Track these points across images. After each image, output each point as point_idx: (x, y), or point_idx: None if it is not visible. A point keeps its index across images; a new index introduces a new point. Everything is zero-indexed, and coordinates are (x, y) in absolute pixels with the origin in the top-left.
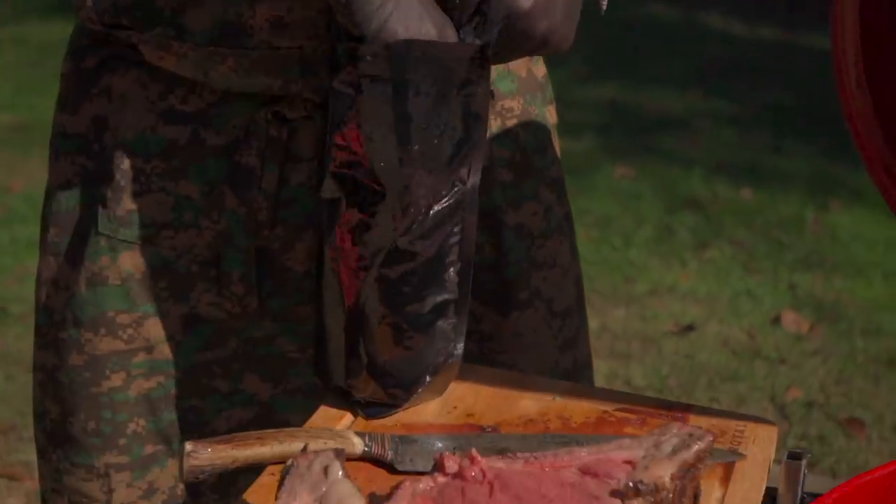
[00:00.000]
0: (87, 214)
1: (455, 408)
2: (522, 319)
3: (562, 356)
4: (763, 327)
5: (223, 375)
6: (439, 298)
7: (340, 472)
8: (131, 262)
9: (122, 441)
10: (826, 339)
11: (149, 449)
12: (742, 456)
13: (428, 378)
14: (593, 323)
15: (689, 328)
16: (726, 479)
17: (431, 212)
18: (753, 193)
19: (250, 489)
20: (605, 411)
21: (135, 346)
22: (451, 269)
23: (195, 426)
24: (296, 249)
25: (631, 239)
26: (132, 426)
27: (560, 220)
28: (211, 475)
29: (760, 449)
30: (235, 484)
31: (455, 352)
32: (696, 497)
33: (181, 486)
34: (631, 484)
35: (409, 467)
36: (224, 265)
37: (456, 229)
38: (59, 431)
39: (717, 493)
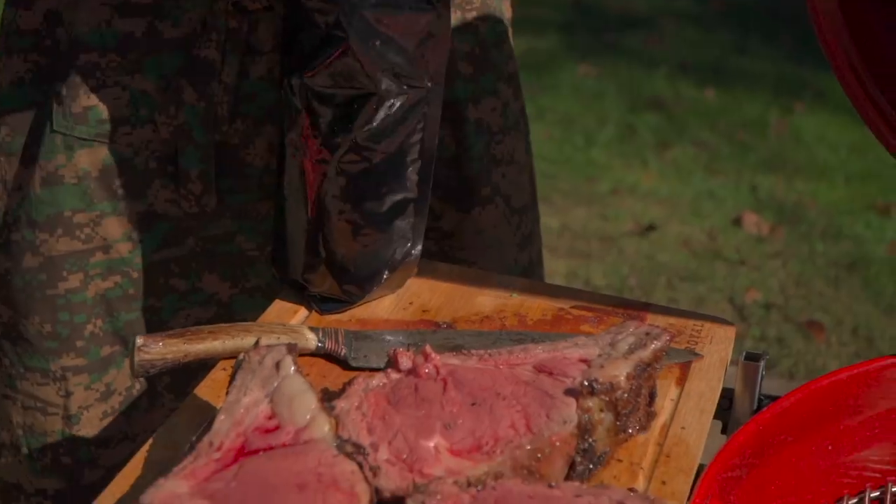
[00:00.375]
0: (40, 112)
1: (411, 303)
2: (484, 216)
3: (520, 253)
4: (724, 228)
5: (181, 274)
6: (398, 197)
7: (293, 368)
8: (88, 159)
9: (79, 343)
10: (786, 242)
11: (106, 350)
12: (699, 356)
13: (384, 276)
14: (554, 222)
15: (650, 228)
16: (682, 380)
17: (393, 106)
18: (717, 94)
19: (202, 384)
20: (562, 309)
21: (92, 245)
22: (412, 168)
23: (153, 326)
24: (255, 144)
25: (593, 138)
26: (90, 327)
27: (517, 116)
28: (162, 370)
29: (717, 349)
30: (193, 383)
31: (413, 251)
32: (651, 397)
33: (138, 387)
34: (586, 383)
35: (362, 363)
36: (183, 162)
37: (418, 126)
38: (11, 335)
39: (672, 393)
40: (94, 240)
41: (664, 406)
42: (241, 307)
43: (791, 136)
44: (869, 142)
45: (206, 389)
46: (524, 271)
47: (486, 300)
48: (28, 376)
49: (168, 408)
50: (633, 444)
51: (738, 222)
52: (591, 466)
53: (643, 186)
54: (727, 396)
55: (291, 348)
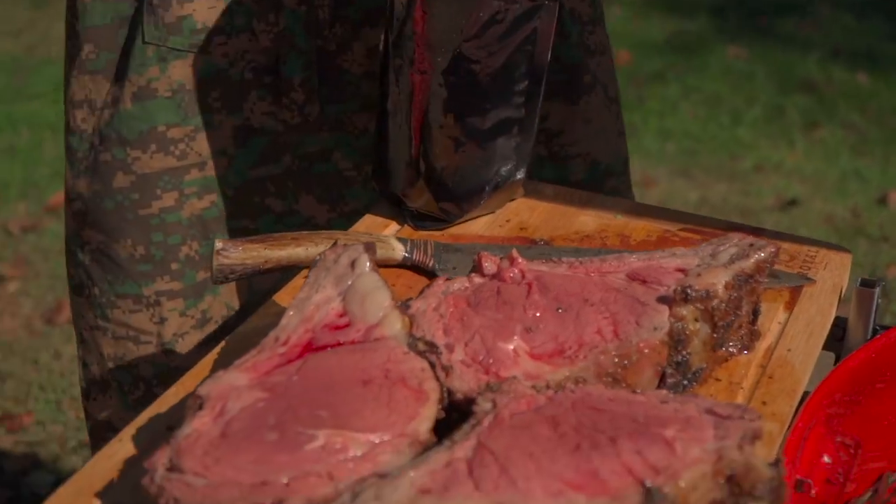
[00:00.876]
0: (129, 25)
1: (508, 221)
2: (589, 104)
3: (621, 143)
4: (868, 207)
5: (277, 194)
6: (503, 114)
7: (368, 265)
8: (182, 71)
9: (174, 266)
10: None
11: (202, 275)
12: (811, 280)
13: (484, 198)
14: (693, 195)
15: (792, 203)
16: (792, 304)
17: (501, 16)
18: (870, 79)
19: (281, 290)
20: (668, 230)
21: (187, 162)
22: (519, 85)
23: None
24: (353, 50)
25: (740, 117)
26: (185, 249)
27: (601, 8)
28: (242, 276)
29: (831, 275)
30: None
31: (517, 174)
32: (755, 314)
33: (235, 315)
34: (680, 289)
35: (450, 276)
36: (285, 70)
37: (528, 38)
38: (102, 262)
39: (780, 316)
40: (188, 156)
41: (770, 329)
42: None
43: None
44: None
45: (286, 296)
46: (625, 163)
47: (588, 220)
48: (119, 304)
49: None
50: (734, 364)
51: (883, 201)
52: (684, 382)
53: (788, 164)
54: (840, 326)
55: (369, 247)
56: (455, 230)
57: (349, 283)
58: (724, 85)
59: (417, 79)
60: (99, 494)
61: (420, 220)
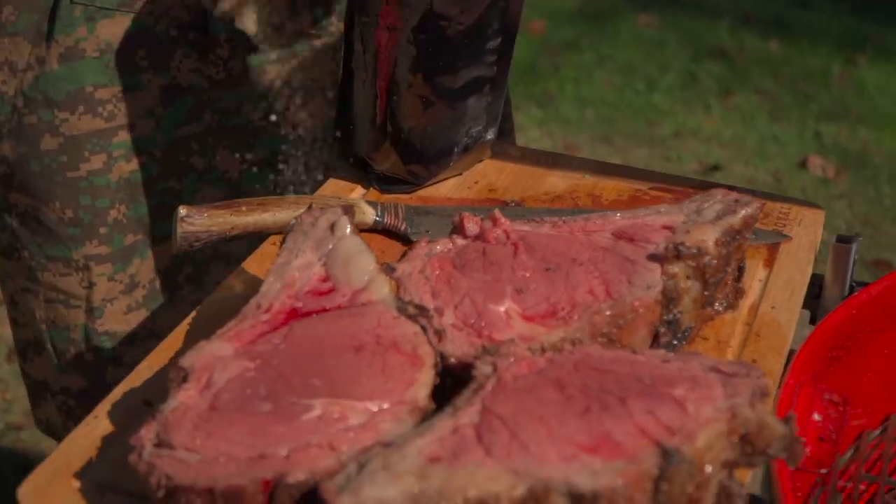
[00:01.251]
0: None
1: (476, 183)
2: None
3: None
4: (789, 170)
5: (199, 152)
6: (474, 73)
7: (349, 228)
8: (110, 31)
9: (102, 230)
10: (852, 184)
11: (129, 238)
12: (787, 237)
13: (453, 159)
14: (614, 161)
15: (715, 168)
16: (771, 261)
17: None
18: (780, 45)
19: (250, 258)
20: (639, 190)
21: (115, 123)
22: (491, 43)
23: (173, 210)
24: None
25: (655, 84)
26: (113, 213)
27: None
28: (207, 244)
29: (807, 232)
30: (212, 273)
31: (486, 135)
32: (740, 272)
33: (161, 280)
34: (671, 246)
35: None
36: (212, 28)
37: None
38: (31, 225)
39: (760, 274)
40: (116, 117)
41: (752, 286)
42: (250, 182)
43: (854, 87)
44: None
45: (255, 263)
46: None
47: (558, 181)
48: (50, 267)
49: (188, 301)
50: (720, 323)
51: (803, 165)
52: (674, 341)
53: (706, 130)
54: (817, 283)
55: (348, 210)
56: (422, 193)
57: (330, 246)
58: (636, 53)
59: (385, 36)
60: (78, 474)
61: (386, 183)
